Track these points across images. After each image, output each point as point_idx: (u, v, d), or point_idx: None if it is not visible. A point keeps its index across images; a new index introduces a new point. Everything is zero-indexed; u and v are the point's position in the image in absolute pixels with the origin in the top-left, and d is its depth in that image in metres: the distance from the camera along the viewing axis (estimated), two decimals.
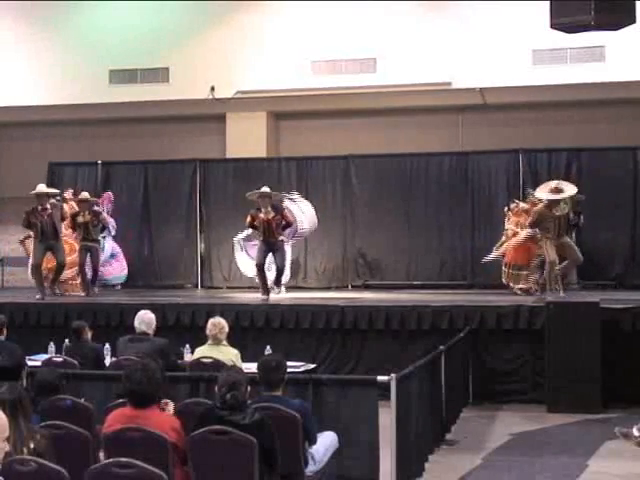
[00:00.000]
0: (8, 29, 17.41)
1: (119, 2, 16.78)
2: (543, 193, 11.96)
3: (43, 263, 12.84)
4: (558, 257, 11.78)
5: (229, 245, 15.17)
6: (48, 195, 12.68)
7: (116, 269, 14.63)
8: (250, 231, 13.15)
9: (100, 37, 16.88)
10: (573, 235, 12.30)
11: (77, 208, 13.41)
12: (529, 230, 12.46)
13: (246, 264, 14.17)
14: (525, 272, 12.90)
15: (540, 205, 11.91)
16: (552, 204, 11.69)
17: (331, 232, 15.05)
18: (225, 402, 5.06)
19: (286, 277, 13.70)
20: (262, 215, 12.07)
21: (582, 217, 11.83)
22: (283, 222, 12.26)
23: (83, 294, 13.07)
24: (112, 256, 14.51)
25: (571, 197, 11.80)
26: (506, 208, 13.32)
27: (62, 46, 17.15)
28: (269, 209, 12.10)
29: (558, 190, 11.78)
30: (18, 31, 17.32)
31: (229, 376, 5.17)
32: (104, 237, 14.10)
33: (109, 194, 14.82)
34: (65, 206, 13.33)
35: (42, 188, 12.79)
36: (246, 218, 12.43)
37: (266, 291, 12.29)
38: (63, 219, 12.85)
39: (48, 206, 12.49)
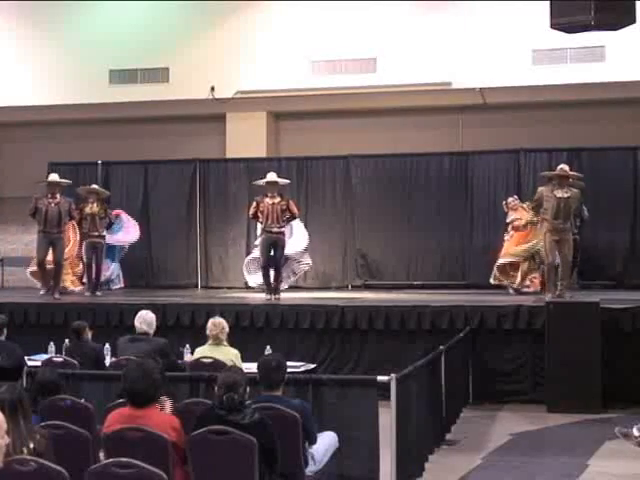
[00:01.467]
0: (8, 29, 17.41)
1: (119, 2, 16.78)
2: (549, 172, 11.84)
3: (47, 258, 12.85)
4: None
5: (229, 245, 15.19)
6: (59, 185, 12.74)
7: (120, 238, 14.61)
8: (257, 254, 13.10)
9: (100, 37, 16.87)
10: (576, 230, 12.25)
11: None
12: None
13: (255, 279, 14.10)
14: (515, 272, 12.96)
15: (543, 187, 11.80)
16: (554, 185, 11.45)
17: (331, 232, 15.05)
18: (222, 403, 5.06)
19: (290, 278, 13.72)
20: (268, 200, 12.08)
21: (586, 210, 11.74)
22: (288, 213, 12.22)
23: (87, 293, 13.09)
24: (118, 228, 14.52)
25: (576, 187, 11.60)
26: (503, 202, 13.36)
27: (62, 46, 17.13)
28: (275, 194, 12.13)
29: (563, 171, 11.65)
30: (18, 31, 17.30)
31: (227, 377, 5.17)
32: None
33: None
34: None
35: (54, 177, 12.91)
36: (249, 208, 12.39)
37: (271, 291, 12.25)
38: (71, 217, 12.86)
39: (58, 196, 12.55)
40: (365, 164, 15.29)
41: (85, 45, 17.00)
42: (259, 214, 12.17)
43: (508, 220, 13.24)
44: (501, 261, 13.15)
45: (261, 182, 12.45)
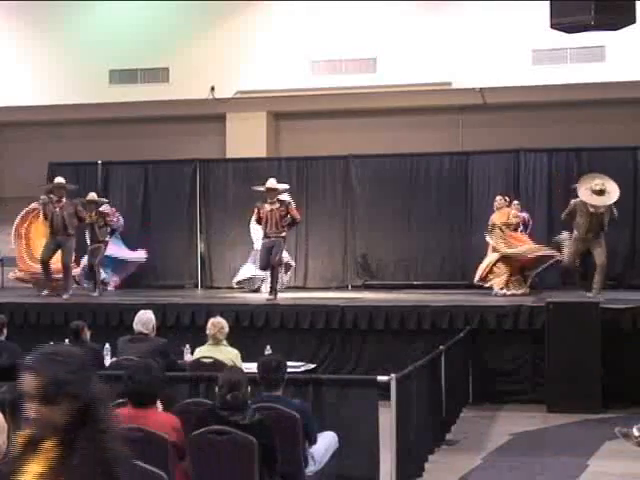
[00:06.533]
0: (8, 29, 17.42)
1: (119, 2, 16.79)
2: (585, 193, 11.72)
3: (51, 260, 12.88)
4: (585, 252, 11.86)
5: (229, 245, 15.19)
6: (65, 188, 12.77)
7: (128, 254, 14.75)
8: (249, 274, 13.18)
9: (100, 37, 16.88)
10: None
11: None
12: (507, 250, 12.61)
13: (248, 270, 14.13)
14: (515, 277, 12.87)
15: (578, 198, 11.79)
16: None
17: (331, 232, 15.04)
18: (226, 402, 5.06)
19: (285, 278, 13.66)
20: (267, 206, 12.06)
21: (615, 210, 11.91)
22: (288, 217, 12.17)
23: (95, 294, 13.09)
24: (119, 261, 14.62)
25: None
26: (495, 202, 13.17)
27: (62, 46, 17.15)
28: (275, 200, 12.09)
29: (601, 192, 11.64)
30: (18, 31, 17.32)
31: (230, 376, 5.17)
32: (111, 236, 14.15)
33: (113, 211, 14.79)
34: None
35: (60, 180, 12.94)
36: (252, 213, 12.36)
37: (273, 291, 12.20)
38: (80, 219, 12.85)
39: (63, 199, 12.58)
40: (365, 164, 15.28)
41: (85, 45, 17.01)
42: (261, 215, 12.15)
43: (489, 222, 12.98)
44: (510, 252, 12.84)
45: (261, 188, 12.39)
